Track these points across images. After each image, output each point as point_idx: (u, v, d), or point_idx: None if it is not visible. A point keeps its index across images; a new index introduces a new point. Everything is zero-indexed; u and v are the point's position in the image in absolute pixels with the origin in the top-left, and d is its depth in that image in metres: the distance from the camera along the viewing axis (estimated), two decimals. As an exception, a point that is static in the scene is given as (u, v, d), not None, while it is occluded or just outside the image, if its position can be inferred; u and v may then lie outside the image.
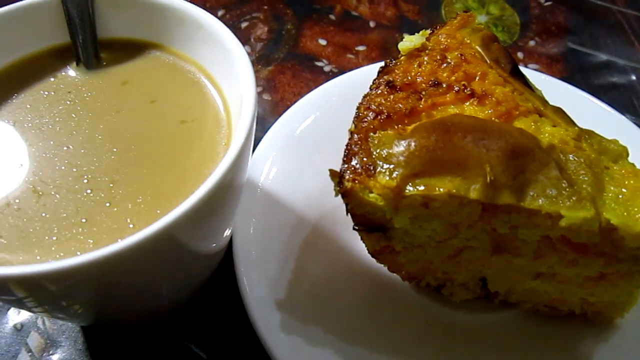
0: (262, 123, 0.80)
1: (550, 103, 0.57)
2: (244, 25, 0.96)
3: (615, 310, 0.57)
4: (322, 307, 0.59)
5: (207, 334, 0.62)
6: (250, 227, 0.63)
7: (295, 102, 0.75)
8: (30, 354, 0.60)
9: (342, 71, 0.86)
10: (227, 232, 0.56)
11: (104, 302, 0.49)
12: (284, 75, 0.88)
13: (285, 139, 0.71)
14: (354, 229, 0.54)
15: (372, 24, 0.97)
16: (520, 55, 0.92)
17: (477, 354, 0.58)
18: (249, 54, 0.91)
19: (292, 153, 0.70)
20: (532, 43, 0.94)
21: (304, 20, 0.97)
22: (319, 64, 0.90)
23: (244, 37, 0.94)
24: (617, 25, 0.96)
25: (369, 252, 0.59)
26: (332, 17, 0.97)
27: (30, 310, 0.59)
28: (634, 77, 0.88)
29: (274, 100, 0.85)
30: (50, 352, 0.61)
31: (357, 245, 0.61)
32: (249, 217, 0.63)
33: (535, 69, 0.89)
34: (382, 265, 0.60)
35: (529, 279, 0.55)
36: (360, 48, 0.93)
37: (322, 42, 0.93)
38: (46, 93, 0.54)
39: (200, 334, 0.62)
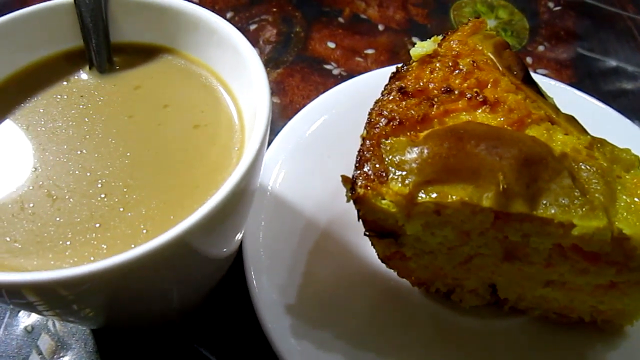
0: (271, 126, 0.79)
1: (562, 110, 0.57)
2: (252, 27, 0.96)
3: (624, 318, 0.57)
4: (331, 311, 0.59)
5: (217, 337, 0.62)
6: (260, 231, 0.63)
7: (304, 105, 0.75)
8: (40, 356, 0.61)
9: (350, 74, 0.87)
10: (238, 237, 0.56)
11: (115, 306, 0.49)
12: (293, 78, 0.89)
13: (294, 142, 0.71)
14: (365, 234, 0.54)
15: (380, 28, 0.97)
16: (529, 60, 0.92)
17: (486, 359, 0.58)
18: (257, 56, 0.92)
19: (301, 157, 0.70)
20: (541, 48, 0.94)
21: (312, 23, 0.97)
22: (328, 67, 0.90)
23: (252, 40, 0.94)
24: (626, 31, 0.96)
25: (379, 258, 0.59)
26: (341, 20, 0.98)
27: (41, 314, 0.59)
28: (643, 83, 0.88)
29: (282, 103, 0.85)
30: (61, 354, 0.61)
31: (367, 250, 0.61)
32: (258, 221, 0.64)
33: (544, 74, 0.89)
34: (392, 270, 0.60)
35: (539, 287, 0.55)
36: (369, 51, 0.93)
37: (331, 45, 0.94)
38: (59, 97, 0.54)
39: (209, 337, 0.62)
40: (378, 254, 0.58)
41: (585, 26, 0.97)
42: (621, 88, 0.88)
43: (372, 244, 0.57)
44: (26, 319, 0.63)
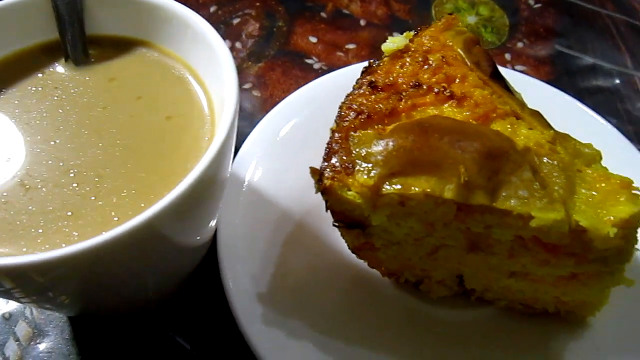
0: (251, 119, 0.81)
1: (534, 106, 0.58)
2: (235, 21, 0.97)
3: (587, 309, 0.58)
4: (303, 301, 0.61)
5: (192, 326, 0.63)
6: (235, 222, 0.64)
7: (283, 98, 0.76)
8: (17, 342, 0.62)
9: (331, 69, 0.88)
10: (211, 225, 0.57)
11: (90, 293, 0.51)
12: (274, 72, 0.90)
13: (272, 135, 0.72)
14: (333, 225, 0.56)
15: (362, 23, 0.98)
16: (508, 56, 0.93)
17: (454, 348, 0.59)
18: (240, 50, 0.93)
19: (278, 150, 0.71)
20: (520, 45, 0.95)
21: (295, 18, 0.98)
22: (309, 61, 0.91)
23: (235, 33, 0.95)
24: (605, 29, 0.97)
25: (349, 248, 0.60)
26: (323, 15, 0.98)
27: (18, 301, 0.60)
28: (618, 81, 0.89)
29: (263, 97, 0.86)
30: (38, 341, 0.62)
31: (339, 241, 0.62)
32: (234, 212, 0.65)
33: (522, 71, 0.90)
34: (363, 261, 0.61)
35: (504, 277, 0.57)
36: (351, 46, 0.94)
37: (313, 39, 0.95)
38: (34, 89, 0.55)
39: (184, 325, 0.63)
40: (348, 245, 0.59)
41: (565, 23, 0.98)
42: (597, 85, 0.89)
43: (341, 235, 0.58)
44: (4, 306, 0.64)
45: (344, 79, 0.75)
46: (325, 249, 0.65)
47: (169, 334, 0.63)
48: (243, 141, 0.71)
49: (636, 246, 0.51)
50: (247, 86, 0.88)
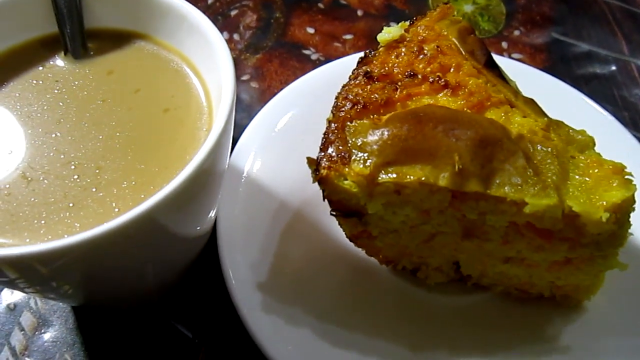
0: (249, 111, 0.82)
1: (529, 94, 0.58)
2: (233, 13, 0.97)
3: (582, 293, 0.59)
4: (302, 289, 0.62)
5: (193, 314, 0.64)
6: (234, 213, 0.65)
7: (281, 89, 0.77)
8: (22, 332, 0.63)
9: (329, 59, 0.88)
10: (211, 216, 0.58)
11: (92, 282, 0.52)
12: (272, 63, 0.90)
13: (270, 126, 0.73)
14: (331, 214, 0.56)
15: (359, 13, 0.98)
16: (504, 45, 0.94)
17: (452, 334, 0.60)
18: (237, 41, 0.93)
19: (276, 141, 0.72)
20: (516, 33, 0.95)
21: (292, 9, 0.98)
22: (307, 52, 0.92)
23: (233, 25, 0.96)
24: (601, 16, 0.97)
25: (347, 237, 0.61)
26: (320, 5, 0.99)
27: (22, 291, 0.62)
28: (614, 68, 0.90)
29: (261, 88, 0.87)
30: (42, 330, 0.63)
31: (337, 230, 0.63)
32: (233, 203, 0.66)
33: (519, 59, 0.90)
34: (360, 249, 0.62)
35: (499, 263, 0.58)
36: (348, 37, 0.94)
37: (310, 30, 0.95)
38: (35, 82, 0.56)
39: (186, 314, 0.64)
40: (345, 233, 0.60)
41: (561, 11, 0.99)
42: (593, 72, 0.89)
43: (339, 224, 0.59)
44: (9, 296, 0.65)
45: (340, 69, 0.76)
46: (324, 238, 0.66)
47: (170, 323, 0.64)
48: (241, 133, 0.72)
49: (629, 230, 0.51)
50: (245, 78, 0.88)
